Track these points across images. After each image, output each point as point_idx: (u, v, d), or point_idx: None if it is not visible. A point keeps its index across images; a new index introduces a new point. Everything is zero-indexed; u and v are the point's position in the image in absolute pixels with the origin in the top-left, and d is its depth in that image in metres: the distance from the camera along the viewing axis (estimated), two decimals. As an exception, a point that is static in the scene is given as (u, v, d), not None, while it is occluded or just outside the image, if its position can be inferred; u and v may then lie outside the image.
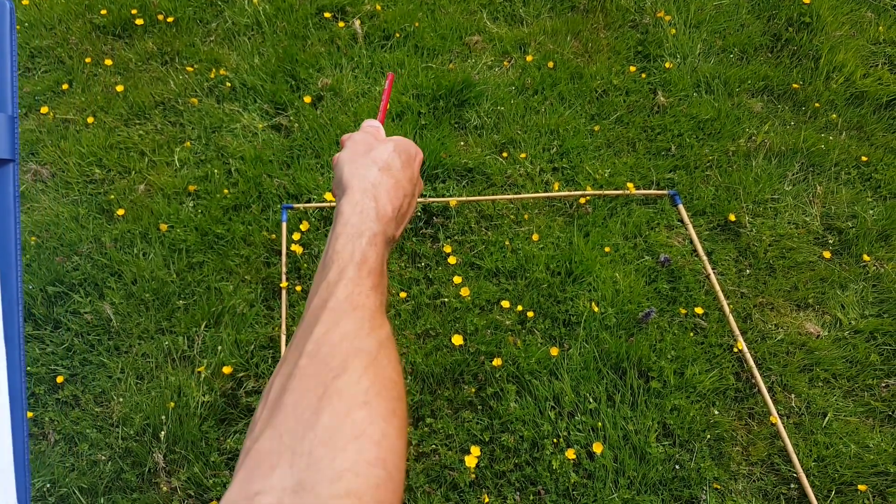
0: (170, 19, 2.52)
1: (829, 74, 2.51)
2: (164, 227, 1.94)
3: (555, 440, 1.59)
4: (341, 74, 2.38)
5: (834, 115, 2.39)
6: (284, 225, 1.94)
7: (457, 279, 1.85)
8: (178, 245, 1.91)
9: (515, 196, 2.06)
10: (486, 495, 1.52)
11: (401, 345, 1.74)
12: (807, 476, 1.57)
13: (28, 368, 1.65)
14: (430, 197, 2.04)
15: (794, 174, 2.22)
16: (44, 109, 2.23)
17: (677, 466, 1.58)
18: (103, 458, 1.54)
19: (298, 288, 1.84)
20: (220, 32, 2.54)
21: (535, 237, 1.96)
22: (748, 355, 1.76)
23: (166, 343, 1.72)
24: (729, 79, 2.47)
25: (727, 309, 1.85)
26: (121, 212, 1.97)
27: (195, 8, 2.59)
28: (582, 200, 2.06)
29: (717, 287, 1.89)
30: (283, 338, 1.73)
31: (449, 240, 1.96)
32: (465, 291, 1.82)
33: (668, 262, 1.92)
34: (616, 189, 2.10)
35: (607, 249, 1.95)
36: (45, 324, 1.75)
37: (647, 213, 2.06)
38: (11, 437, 0.66)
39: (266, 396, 0.41)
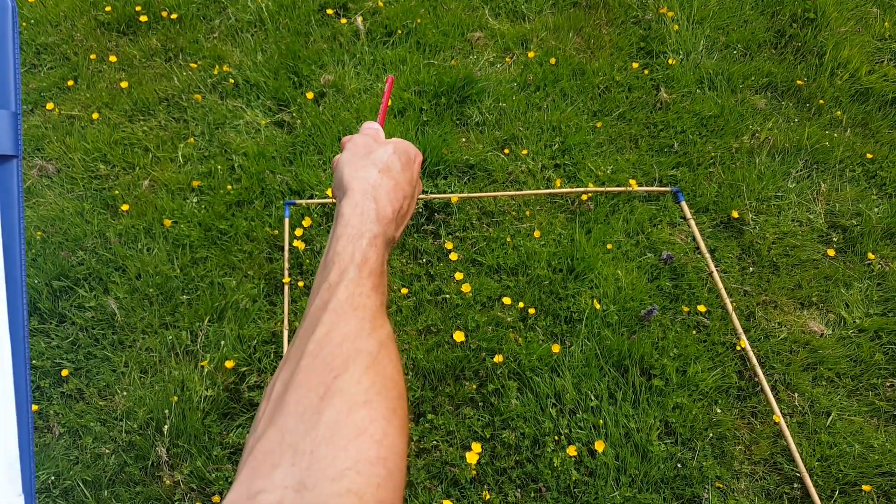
0: (174, 16, 2.52)
1: (834, 71, 2.50)
2: (167, 222, 1.95)
3: (556, 437, 1.60)
4: (343, 71, 2.38)
5: (839, 112, 2.38)
6: (287, 221, 1.94)
7: (458, 275, 1.85)
8: (182, 240, 1.92)
9: (517, 193, 2.06)
10: (486, 492, 1.52)
11: (402, 341, 1.75)
12: (810, 476, 1.57)
13: (33, 362, 1.66)
14: (431, 193, 2.04)
15: (797, 171, 2.21)
16: (49, 105, 2.24)
17: (679, 465, 1.59)
18: (107, 451, 1.55)
19: (301, 283, 1.84)
20: (223, 29, 2.54)
21: (536, 234, 1.96)
22: (751, 353, 1.76)
23: (170, 337, 1.73)
24: (732, 75, 2.46)
25: (730, 307, 1.84)
26: (125, 207, 1.98)
27: (199, 5, 2.59)
28: (584, 197, 2.06)
29: (720, 285, 1.89)
30: (286, 333, 1.73)
31: (450, 236, 1.96)
32: (466, 288, 1.82)
33: (671, 260, 1.92)
34: (618, 186, 2.10)
35: (609, 246, 1.95)
36: (50, 318, 1.76)
37: (650, 209, 2.06)
38: (17, 429, 0.67)
39: (269, 395, 0.42)
